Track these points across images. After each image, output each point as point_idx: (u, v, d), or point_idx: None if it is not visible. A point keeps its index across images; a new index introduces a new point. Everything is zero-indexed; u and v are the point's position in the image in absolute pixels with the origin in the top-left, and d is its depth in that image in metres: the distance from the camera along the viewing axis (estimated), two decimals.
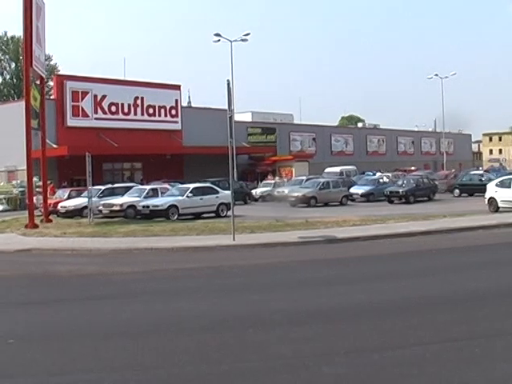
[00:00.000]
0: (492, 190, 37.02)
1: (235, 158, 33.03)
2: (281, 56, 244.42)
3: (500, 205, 35.72)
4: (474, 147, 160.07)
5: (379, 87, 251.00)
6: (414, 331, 10.33)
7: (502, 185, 36.81)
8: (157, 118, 69.87)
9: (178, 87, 72.81)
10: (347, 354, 9.15)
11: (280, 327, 10.96)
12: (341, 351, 9.32)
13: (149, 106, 69.23)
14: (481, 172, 63.97)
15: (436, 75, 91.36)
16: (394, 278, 15.86)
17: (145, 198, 39.61)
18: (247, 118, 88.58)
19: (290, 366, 8.72)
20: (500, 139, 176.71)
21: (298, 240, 23.55)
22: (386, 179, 60.20)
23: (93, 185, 36.94)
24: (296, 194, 50.09)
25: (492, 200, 36.37)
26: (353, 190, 54.69)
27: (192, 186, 40.72)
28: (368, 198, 53.24)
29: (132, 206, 38.42)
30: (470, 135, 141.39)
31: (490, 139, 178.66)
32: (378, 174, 68.87)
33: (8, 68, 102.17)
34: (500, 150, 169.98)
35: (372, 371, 8.46)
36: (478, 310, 11.64)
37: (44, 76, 38.27)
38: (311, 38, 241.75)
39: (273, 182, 62.82)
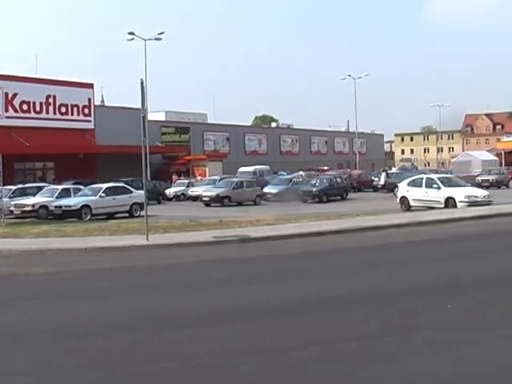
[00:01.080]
0: (404, 189, 37.91)
1: (148, 158, 32.96)
2: (195, 56, 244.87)
3: (412, 203, 36.60)
4: (387, 147, 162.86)
5: (293, 87, 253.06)
6: (329, 329, 10.49)
7: (413, 184, 37.75)
8: (69, 116, 68.85)
9: (91, 86, 71.93)
10: (263, 353, 9.24)
11: (194, 327, 11.00)
12: (256, 350, 9.41)
13: (61, 105, 68.22)
14: (421, 171, 65.00)
15: (349, 76, 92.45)
16: (307, 276, 16.00)
17: (57, 198, 39.15)
18: (161, 117, 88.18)
19: (205, 366, 8.74)
20: (412, 139, 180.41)
21: (212, 240, 23.59)
22: (299, 179, 60.68)
23: (3, 185, 36.28)
24: (210, 194, 50.24)
25: (404, 199, 37.23)
26: (266, 189, 55.08)
27: (105, 185, 40.43)
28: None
29: (44, 207, 37.99)
30: (383, 135, 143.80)
31: (402, 139, 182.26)
32: (300, 173, 69.71)
33: None
34: (412, 150, 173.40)
35: (287, 370, 8.53)
36: (389, 307, 11.86)
37: None
38: (225, 38, 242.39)
39: (182, 181, 63.09)
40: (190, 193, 56.93)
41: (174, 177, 68.51)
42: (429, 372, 8.26)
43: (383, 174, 66.01)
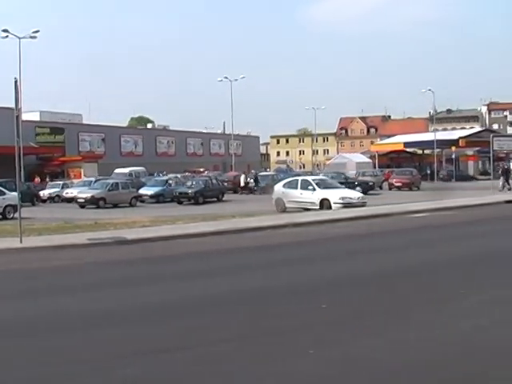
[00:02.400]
0: (279, 190, 38.32)
1: (22, 159, 32.21)
2: (70, 55, 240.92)
3: (287, 205, 37.01)
4: (262, 149, 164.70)
5: (168, 87, 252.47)
6: (206, 330, 10.53)
7: (289, 186, 38.20)
8: None
9: None
10: (143, 355, 9.17)
11: (76, 330, 10.83)
12: (136, 352, 9.38)
13: None
14: (343, 171, 65.74)
15: (226, 78, 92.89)
16: (185, 278, 15.95)
17: None
18: (35, 117, 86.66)
19: (88, 370, 8.63)
20: (287, 141, 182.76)
21: (88, 242, 23.29)
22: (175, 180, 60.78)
23: None
24: (85, 196, 49.76)
25: (279, 200, 37.61)
26: (142, 191, 54.94)
27: None
28: (158, 199, 53.71)
29: None
30: (258, 137, 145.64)
31: (278, 141, 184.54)
32: (180, 175, 70.17)
33: None
34: (287, 152, 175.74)
35: (165, 371, 8.54)
36: (268, 308, 12.06)
37: None
38: (100, 37, 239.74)
39: (56, 183, 62.11)
40: (64, 194, 56.24)
41: (36, 179, 67.04)
42: (304, 371, 8.41)
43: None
